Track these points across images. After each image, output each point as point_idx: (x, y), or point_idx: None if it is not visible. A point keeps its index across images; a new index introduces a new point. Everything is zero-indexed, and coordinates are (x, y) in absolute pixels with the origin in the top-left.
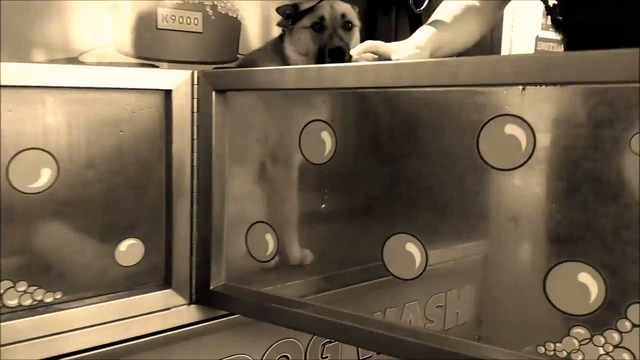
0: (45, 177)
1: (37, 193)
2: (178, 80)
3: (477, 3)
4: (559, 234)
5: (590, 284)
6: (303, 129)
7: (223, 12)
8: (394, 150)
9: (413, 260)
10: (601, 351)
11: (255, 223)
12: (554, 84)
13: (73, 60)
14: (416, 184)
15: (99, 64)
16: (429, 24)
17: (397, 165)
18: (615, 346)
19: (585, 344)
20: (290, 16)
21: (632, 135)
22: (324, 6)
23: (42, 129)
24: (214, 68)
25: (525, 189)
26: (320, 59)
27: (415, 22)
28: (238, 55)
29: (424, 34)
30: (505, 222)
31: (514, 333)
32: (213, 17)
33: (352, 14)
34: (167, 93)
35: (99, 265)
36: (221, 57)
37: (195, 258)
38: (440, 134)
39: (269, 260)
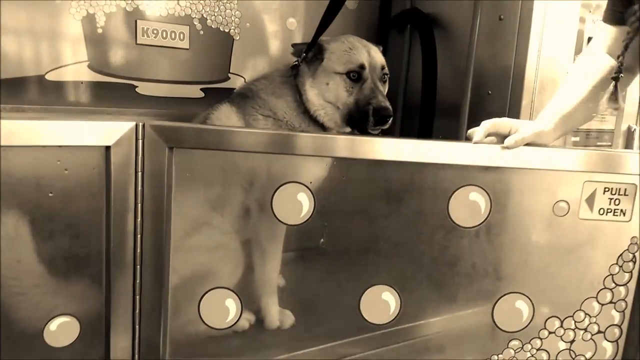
0: None
1: None
2: (118, 135)
3: (602, 77)
4: (502, 274)
5: (523, 308)
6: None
7: (213, 27)
8: (374, 212)
9: (388, 307)
10: (528, 355)
11: (212, 289)
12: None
13: (39, 78)
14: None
15: (69, 82)
16: (556, 103)
17: (377, 225)
18: (538, 349)
19: (518, 351)
20: (315, 58)
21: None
22: (360, 52)
23: None
24: (202, 89)
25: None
26: (357, 114)
27: (429, 42)
28: (229, 75)
29: (550, 117)
30: (466, 267)
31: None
32: (202, 32)
33: (385, 63)
34: (106, 149)
35: (25, 347)
36: (210, 77)
37: (139, 334)
38: (416, 199)
39: (228, 328)
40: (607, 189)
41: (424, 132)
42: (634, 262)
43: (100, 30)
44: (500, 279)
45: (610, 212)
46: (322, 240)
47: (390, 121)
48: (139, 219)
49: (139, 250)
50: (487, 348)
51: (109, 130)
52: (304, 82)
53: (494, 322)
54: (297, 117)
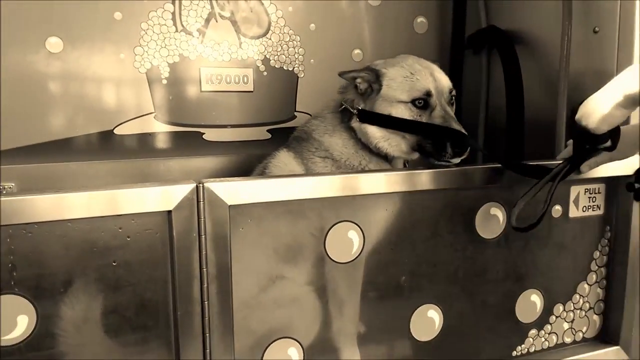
0: (22, 326)
1: (13, 346)
2: (178, 198)
3: None
4: (519, 274)
5: (537, 300)
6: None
7: (277, 67)
8: (415, 239)
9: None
10: (542, 340)
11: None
12: None
13: (109, 133)
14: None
15: (137, 135)
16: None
17: (419, 250)
18: (549, 333)
19: (535, 339)
20: (369, 86)
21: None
22: (424, 76)
23: (16, 268)
24: (268, 130)
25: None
26: (430, 145)
27: (512, 60)
28: (295, 114)
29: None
30: (492, 274)
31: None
32: (265, 73)
33: (451, 84)
34: (168, 214)
35: None
36: (276, 117)
37: None
38: (448, 220)
39: None
40: (587, 190)
41: (514, 153)
42: (609, 247)
43: (164, 81)
44: (519, 279)
45: (590, 208)
46: (373, 273)
47: (468, 150)
48: (205, 285)
49: (207, 318)
50: (512, 341)
51: (168, 194)
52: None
53: (516, 317)
54: (356, 155)
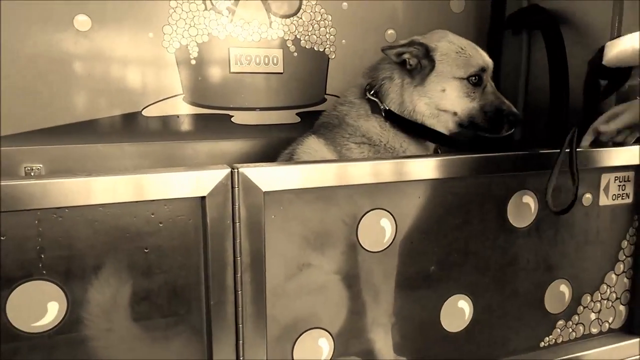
0: (52, 312)
1: (43, 333)
2: (212, 183)
3: None
4: (549, 264)
5: (566, 291)
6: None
7: (307, 47)
8: (446, 227)
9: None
10: (570, 330)
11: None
12: None
13: (136, 115)
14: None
15: (165, 117)
16: None
17: (450, 239)
18: (576, 324)
19: (563, 330)
20: (418, 61)
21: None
22: (474, 52)
23: (46, 253)
24: (297, 113)
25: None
26: (485, 120)
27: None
28: (325, 97)
29: None
30: (522, 264)
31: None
32: (296, 54)
33: None
34: (201, 199)
35: None
36: (306, 100)
37: None
38: (480, 208)
39: None
40: (616, 178)
41: (556, 138)
42: (636, 236)
43: (193, 62)
44: (549, 269)
45: (620, 196)
46: (405, 262)
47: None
48: (238, 274)
49: (240, 307)
50: (540, 332)
51: (202, 179)
52: (414, 95)
53: (545, 307)
54: (396, 137)
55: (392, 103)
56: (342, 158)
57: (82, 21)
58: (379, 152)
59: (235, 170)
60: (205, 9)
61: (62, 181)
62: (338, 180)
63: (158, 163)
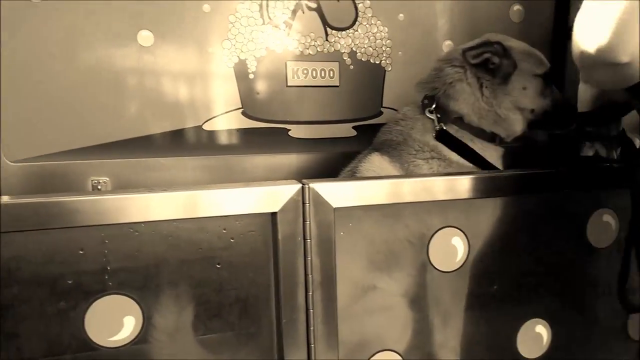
0: (128, 327)
1: (120, 347)
2: (284, 199)
3: None
4: (634, 287)
5: None
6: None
7: (364, 60)
8: (520, 247)
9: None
10: None
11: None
12: None
13: (197, 129)
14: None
15: (225, 131)
16: None
17: (525, 260)
18: None
19: None
20: (500, 60)
21: None
22: (535, 50)
23: (123, 268)
24: (354, 127)
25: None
26: (555, 117)
27: None
28: (382, 109)
29: None
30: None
31: None
32: (352, 67)
33: None
34: (272, 215)
35: None
36: (362, 113)
37: None
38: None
39: None
40: None
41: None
42: None
43: (251, 76)
44: (631, 293)
45: None
46: (478, 283)
47: None
48: (310, 292)
49: (312, 327)
50: None
51: (273, 195)
52: (479, 93)
53: (628, 334)
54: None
55: (464, 105)
56: (412, 174)
57: (145, 36)
58: (450, 166)
59: (306, 186)
60: (263, 23)
61: (139, 196)
62: (410, 196)
63: (218, 176)
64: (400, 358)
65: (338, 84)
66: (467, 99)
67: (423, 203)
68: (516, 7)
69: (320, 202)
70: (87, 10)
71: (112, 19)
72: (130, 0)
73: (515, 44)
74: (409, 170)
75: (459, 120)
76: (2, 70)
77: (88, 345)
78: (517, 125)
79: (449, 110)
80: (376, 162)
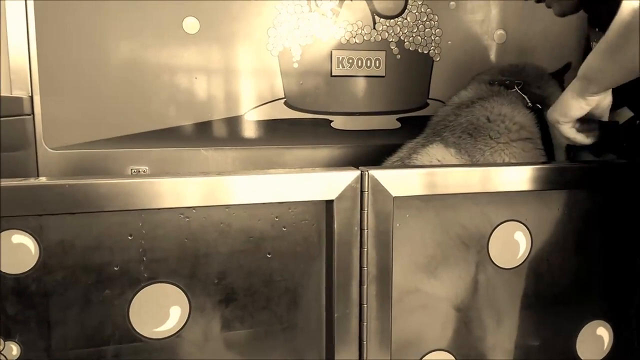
0: (174, 317)
1: (164, 339)
2: (341, 187)
3: None
4: None
5: None
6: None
7: (412, 49)
8: (587, 244)
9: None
10: None
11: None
12: None
13: (239, 119)
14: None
15: (267, 121)
16: None
17: (591, 258)
18: None
19: None
20: None
21: None
22: None
23: (172, 255)
24: (398, 119)
25: None
26: None
27: None
28: (428, 101)
29: None
30: None
31: None
32: (399, 56)
33: None
34: (328, 203)
35: None
36: (408, 105)
37: None
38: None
39: None
40: None
41: None
42: None
43: (296, 65)
44: None
45: None
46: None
47: None
48: (365, 286)
49: (365, 323)
50: None
51: (330, 182)
52: None
53: None
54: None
55: None
56: (478, 162)
57: (191, 24)
58: (535, 149)
59: (366, 173)
60: (310, 10)
61: (190, 179)
62: (474, 186)
63: (257, 168)
64: (453, 358)
65: (384, 74)
66: None
67: (486, 194)
68: None
69: (378, 190)
70: None
71: (156, 6)
72: None
73: None
74: (483, 159)
75: None
76: (42, 58)
77: (132, 336)
78: None
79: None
80: (438, 154)
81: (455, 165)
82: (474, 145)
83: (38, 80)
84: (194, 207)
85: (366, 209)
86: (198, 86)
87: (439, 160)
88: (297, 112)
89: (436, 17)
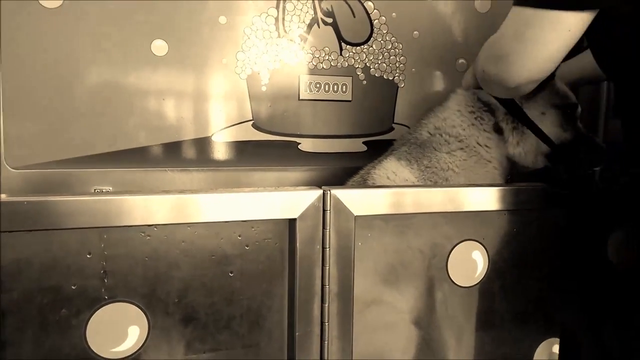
0: (132, 337)
1: (122, 359)
2: (304, 205)
3: None
4: None
5: None
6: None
7: (377, 75)
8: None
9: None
10: None
11: None
12: None
13: (206, 140)
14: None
15: (235, 142)
16: None
17: (547, 276)
18: None
19: None
20: None
21: None
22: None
23: (131, 274)
24: (364, 142)
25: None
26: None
27: None
28: (393, 125)
29: None
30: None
31: None
32: (365, 82)
33: None
34: (290, 222)
35: None
36: (373, 128)
37: None
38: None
39: None
40: None
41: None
42: None
43: (264, 88)
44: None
45: None
46: (496, 299)
47: None
48: (326, 304)
49: (326, 341)
50: None
51: (293, 201)
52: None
53: None
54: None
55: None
56: (441, 183)
57: (159, 46)
58: (480, 160)
59: (328, 192)
60: (279, 36)
61: (152, 198)
62: (436, 206)
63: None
64: None
65: (350, 99)
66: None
67: (444, 214)
68: None
69: (340, 210)
70: (97, 18)
71: (124, 28)
72: (144, 7)
73: None
74: (428, 168)
75: None
76: (5, 76)
77: (89, 357)
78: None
79: None
80: (392, 167)
81: (415, 185)
82: (422, 154)
83: (1, 99)
84: (155, 225)
85: (328, 228)
86: (166, 107)
87: (393, 172)
88: (265, 134)
89: (401, 45)
